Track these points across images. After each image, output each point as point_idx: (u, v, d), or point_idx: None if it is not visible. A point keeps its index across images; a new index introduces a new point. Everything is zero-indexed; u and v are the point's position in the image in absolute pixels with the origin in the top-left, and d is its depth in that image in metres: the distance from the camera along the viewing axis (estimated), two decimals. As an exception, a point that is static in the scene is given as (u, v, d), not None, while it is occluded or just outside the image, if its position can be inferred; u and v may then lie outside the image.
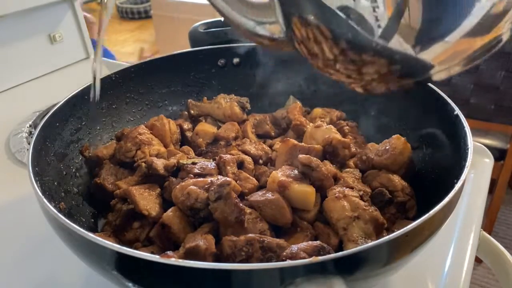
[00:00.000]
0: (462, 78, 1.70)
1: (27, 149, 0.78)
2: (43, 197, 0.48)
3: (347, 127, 0.77)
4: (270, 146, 0.75)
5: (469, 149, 0.52)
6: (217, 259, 0.49)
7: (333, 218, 0.55)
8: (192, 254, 0.48)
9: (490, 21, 0.34)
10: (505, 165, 1.71)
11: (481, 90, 1.69)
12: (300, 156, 0.60)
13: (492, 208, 1.83)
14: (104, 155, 0.71)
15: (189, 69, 0.86)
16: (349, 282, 0.38)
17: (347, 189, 0.57)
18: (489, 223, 1.87)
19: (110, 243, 0.40)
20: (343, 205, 0.54)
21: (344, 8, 0.34)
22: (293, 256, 0.45)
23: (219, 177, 0.58)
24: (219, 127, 0.80)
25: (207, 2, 0.44)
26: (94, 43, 1.39)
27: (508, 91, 1.65)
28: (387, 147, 0.64)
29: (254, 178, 0.65)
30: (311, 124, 0.74)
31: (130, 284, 0.43)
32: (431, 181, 0.63)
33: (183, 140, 0.79)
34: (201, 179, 0.58)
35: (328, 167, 0.61)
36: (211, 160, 0.68)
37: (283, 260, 0.45)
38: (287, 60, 0.86)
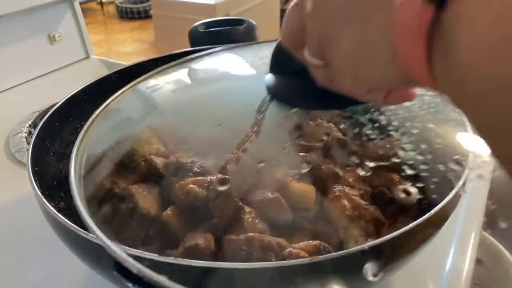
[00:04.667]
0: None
1: (27, 149, 0.78)
2: (42, 197, 0.48)
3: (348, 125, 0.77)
4: (270, 146, 0.75)
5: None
6: (217, 258, 0.49)
7: (333, 217, 0.54)
8: (192, 252, 0.48)
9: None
10: (505, 165, 1.71)
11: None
12: (300, 154, 0.60)
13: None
14: (104, 154, 0.71)
15: (188, 68, 0.85)
16: (349, 282, 0.38)
17: (348, 188, 0.57)
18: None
19: (110, 242, 0.40)
20: (344, 204, 0.54)
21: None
22: (293, 256, 0.45)
23: (219, 175, 0.58)
24: (219, 127, 0.80)
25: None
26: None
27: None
28: (387, 146, 0.64)
29: (254, 177, 0.65)
30: (311, 122, 0.74)
31: (130, 284, 0.43)
32: (431, 180, 0.63)
33: (183, 140, 0.79)
34: (201, 178, 0.58)
35: (328, 166, 0.61)
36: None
37: (283, 259, 0.45)
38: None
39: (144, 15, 5.10)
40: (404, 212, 0.61)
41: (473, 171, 0.65)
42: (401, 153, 0.60)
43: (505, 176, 0.22)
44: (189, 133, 0.62)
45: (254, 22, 0.95)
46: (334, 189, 0.57)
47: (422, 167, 0.65)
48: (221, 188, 0.53)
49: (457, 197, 0.47)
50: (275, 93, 0.51)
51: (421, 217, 0.42)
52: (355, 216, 0.53)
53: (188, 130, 0.62)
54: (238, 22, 0.95)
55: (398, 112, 0.60)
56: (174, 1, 3.36)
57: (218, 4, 3.15)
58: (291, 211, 0.57)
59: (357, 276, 0.40)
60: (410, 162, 0.63)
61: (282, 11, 4.21)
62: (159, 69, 0.68)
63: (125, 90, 0.66)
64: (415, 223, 0.41)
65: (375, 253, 0.40)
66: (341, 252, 0.38)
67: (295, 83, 0.49)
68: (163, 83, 0.69)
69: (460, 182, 0.47)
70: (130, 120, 0.66)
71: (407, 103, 0.53)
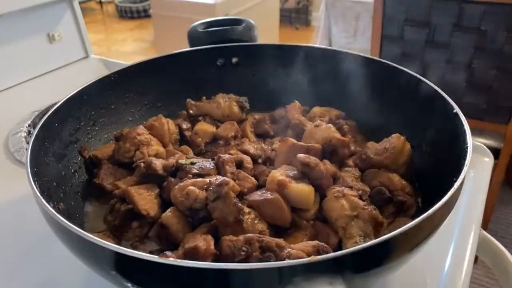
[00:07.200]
0: (455, 77, 1.68)
1: (26, 149, 0.78)
2: (41, 197, 0.48)
3: (346, 126, 0.77)
4: (269, 146, 0.75)
5: (469, 148, 0.52)
6: (216, 259, 0.49)
7: (332, 217, 0.54)
8: (191, 254, 0.48)
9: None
10: (498, 164, 1.70)
11: (473, 89, 1.67)
12: (299, 155, 0.60)
13: (486, 206, 1.83)
14: (103, 155, 0.71)
15: (188, 68, 0.85)
16: (348, 281, 0.38)
17: (346, 188, 0.57)
18: (483, 222, 1.87)
19: (109, 243, 0.40)
20: (342, 204, 0.54)
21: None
22: (292, 256, 0.45)
23: (218, 177, 0.58)
24: (217, 127, 0.80)
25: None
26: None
27: (500, 90, 1.63)
28: (386, 146, 0.64)
29: (253, 178, 0.65)
30: (310, 123, 0.74)
31: (129, 285, 0.43)
32: (430, 179, 0.63)
33: (182, 140, 0.79)
34: (200, 179, 0.58)
35: (327, 166, 0.61)
36: (210, 160, 0.68)
37: (282, 260, 0.45)
38: (285, 59, 0.85)
39: (143, 14, 5.10)
40: (402, 212, 0.61)
41: (472, 171, 0.65)
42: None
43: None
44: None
45: (253, 22, 0.95)
46: (333, 190, 0.57)
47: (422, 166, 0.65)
48: (220, 189, 0.53)
49: (455, 197, 0.47)
50: None
51: (419, 216, 0.42)
52: (354, 216, 0.53)
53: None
54: (237, 21, 0.95)
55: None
56: (174, 0, 3.35)
57: (217, 4, 3.15)
58: (291, 212, 0.57)
59: (356, 276, 0.40)
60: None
61: (282, 11, 4.21)
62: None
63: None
64: (413, 222, 0.41)
65: (374, 252, 0.40)
66: (339, 252, 0.38)
67: None
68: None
69: (458, 182, 0.47)
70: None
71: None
